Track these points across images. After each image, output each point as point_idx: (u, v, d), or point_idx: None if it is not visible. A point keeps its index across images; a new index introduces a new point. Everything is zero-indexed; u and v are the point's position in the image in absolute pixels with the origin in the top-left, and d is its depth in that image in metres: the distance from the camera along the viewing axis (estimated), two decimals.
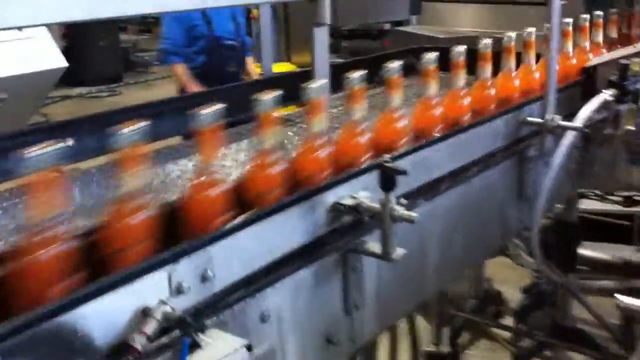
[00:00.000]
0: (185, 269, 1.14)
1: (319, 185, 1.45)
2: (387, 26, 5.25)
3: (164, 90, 10.35)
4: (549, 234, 3.28)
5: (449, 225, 1.85)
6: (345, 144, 1.63)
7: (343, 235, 1.49)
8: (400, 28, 4.76)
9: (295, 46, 6.51)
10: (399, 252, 1.47)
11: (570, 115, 2.32)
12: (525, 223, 2.28)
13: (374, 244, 1.50)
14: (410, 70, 2.95)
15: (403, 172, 1.39)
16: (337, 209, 1.48)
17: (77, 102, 9.88)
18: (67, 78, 10.51)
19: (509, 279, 4.23)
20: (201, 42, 4.47)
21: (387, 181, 1.41)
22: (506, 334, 3.88)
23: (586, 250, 3.74)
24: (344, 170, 1.55)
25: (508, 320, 3.94)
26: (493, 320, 3.98)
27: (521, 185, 2.19)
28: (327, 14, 1.60)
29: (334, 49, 6.34)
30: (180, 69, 4.45)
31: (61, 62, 2.00)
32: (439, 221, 1.80)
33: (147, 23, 14.47)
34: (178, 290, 1.12)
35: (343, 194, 1.50)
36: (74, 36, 10.76)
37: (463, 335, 3.91)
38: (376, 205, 1.46)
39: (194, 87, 4.27)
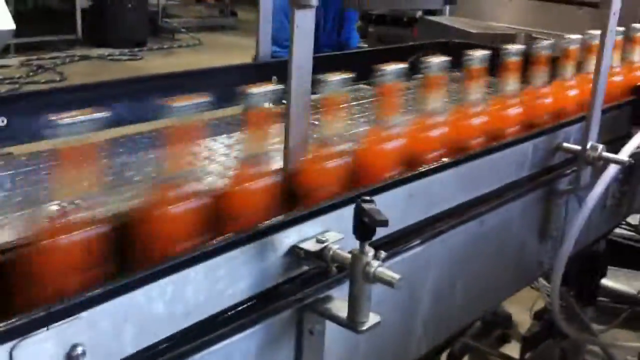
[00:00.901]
0: (38, 346, 0.78)
1: (273, 222, 1.09)
2: (419, 14, 4.84)
3: (187, 59, 10.04)
4: (572, 262, 2.96)
5: (449, 273, 1.48)
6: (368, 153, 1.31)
7: (300, 287, 1.13)
8: (431, 17, 4.34)
9: None
10: (371, 319, 1.09)
11: (612, 142, 1.92)
12: (545, 267, 1.89)
13: (340, 303, 1.13)
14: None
15: (383, 223, 1.01)
16: (296, 254, 1.11)
17: (96, 64, 9.57)
18: (89, 37, 10.34)
19: (522, 299, 3.87)
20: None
21: (362, 228, 1.04)
22: None
23: (609, 281, 3.40)
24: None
25: (515, 345, 3.59)
26: (497, 346, 3.64)
27: (546, 224, 1.81)
28: None
29: (361, 34, 5.94)
30: None
31: (8, 24, 1.67)
32: (435, 268, 1.43)
33: None
34: None
35: (308, 234, 1.13)
36: None
37: None
38: (346, 255, 1.09)
39: None
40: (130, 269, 0.92)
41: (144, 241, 0.99)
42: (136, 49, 10.39)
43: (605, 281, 3.27)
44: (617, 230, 3.37)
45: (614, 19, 1.66)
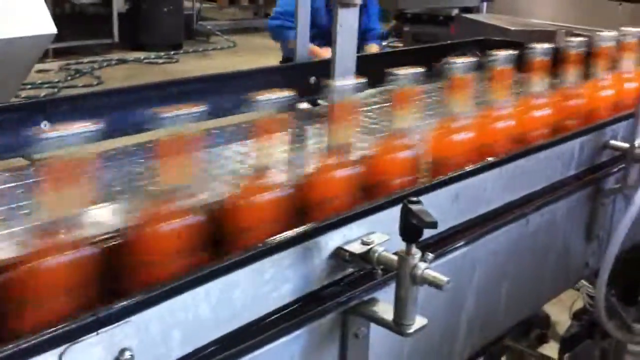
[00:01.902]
0: (87, 351, 0.78)
1: (318, 224, 1.07)
2: (455, 12, 4.79)
3: (222, 62, 10.10)
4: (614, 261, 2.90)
5: (494, 274, 1.45)
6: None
7: (345, 289, 1.12)
8: (468, 15, 4.29)
9: None
10: (417, 322, 1.08)
11: None
12: (591, 268, 1.85)
13: (385, 306, 1.11)
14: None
15: (432, 225, 0.99)
16: (341, 257, 1.10)
17: (133, 67, 9.68)
18: (126, 41, 10.46)
19: (560, 299, 3.80)
20: (313, 31, 3.92)
21: (409, 230, 1.02)
22: None
23: None
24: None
25: (553, 345, 3.54)
26: (535, 347, 3.58)
27: (592, 223, 1.76)
28: None
29: (396, 34, 5.90)
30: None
31: (50, 29, 1.69)
32: (481, 269, 1.40)
33: None
34: None
35: (352, 236, 1.12)
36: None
37: None
38: (393, 257, 1.07)
39: (326, 52, 3.75)
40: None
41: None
42: (172, 52, 10.49)
43: None
44: None
45: None
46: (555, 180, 1.60)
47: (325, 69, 2.20)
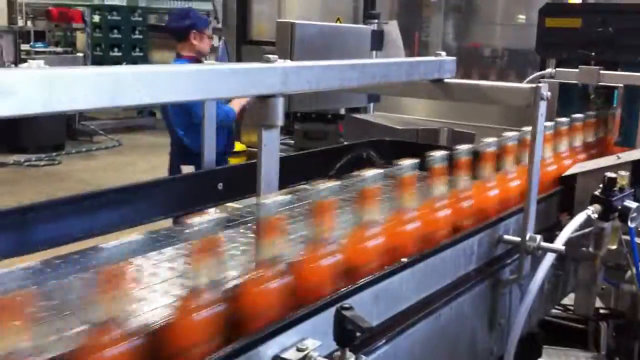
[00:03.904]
0: None
1: (254, 335, 1.12)
2: (342, 110, 5.04)
3: (107, 162, 9.96)
4: None
5: None
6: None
7: None
8: (356, 115, 4.53)
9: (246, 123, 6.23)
10: None
11: (546, 230, 2.06)
12: (495, 354, 1.96)
13: None
14: (367, 163, 2.70)
15: (368, 330, 1.07)
16: None
17: (13, 170, 9.36)
18: (4, 143, 10.10)
19: None
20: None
21: (345, 334, 1.09)
22: None
23: None
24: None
25: None
26: None
27: (493, 313, 1.89)
28: (279, 115, 1.31)
29: (286, 131, 6.08)
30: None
31: None
32: None
33: None
34: None
35: (287, 343, 1.17)
36: None
37: None
38: None
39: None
40: None
41: None
42: (54, 154, 10.23)
43: None
44: None
45: (542, 116, 1.81)
46: (460, 275, 1.72)
47: (230, 174, 2.29)
